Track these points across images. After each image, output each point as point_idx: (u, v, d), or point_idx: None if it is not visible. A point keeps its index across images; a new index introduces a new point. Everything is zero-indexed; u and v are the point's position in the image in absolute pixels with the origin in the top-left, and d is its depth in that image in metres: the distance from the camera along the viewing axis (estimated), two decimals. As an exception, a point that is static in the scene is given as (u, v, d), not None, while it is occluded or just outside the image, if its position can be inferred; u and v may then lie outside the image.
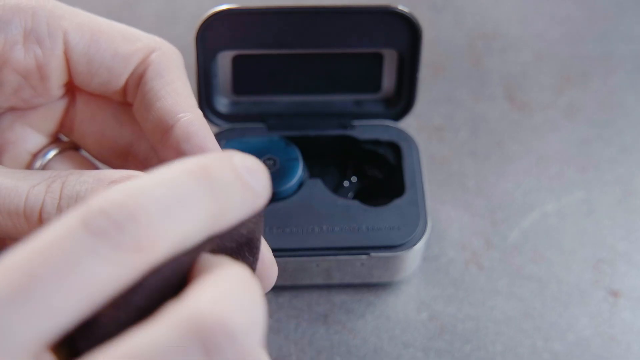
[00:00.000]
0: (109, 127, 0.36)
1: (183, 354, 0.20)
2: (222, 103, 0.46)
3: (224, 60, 0.45)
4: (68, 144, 0.37)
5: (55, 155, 0.36)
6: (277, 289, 0.44)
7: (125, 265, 0.20)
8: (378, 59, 0.46)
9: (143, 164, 0.36)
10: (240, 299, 0.21)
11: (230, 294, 0.21)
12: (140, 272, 0.21)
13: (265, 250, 0.32)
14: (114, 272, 0.20)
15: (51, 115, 0.36)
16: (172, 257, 0.22)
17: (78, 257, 0.20)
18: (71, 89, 0.36)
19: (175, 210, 0.21)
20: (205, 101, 0.45)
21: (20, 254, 0.20)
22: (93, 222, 0.20)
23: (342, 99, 0.47)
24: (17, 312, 0.19)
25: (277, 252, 0.41)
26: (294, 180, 0.44)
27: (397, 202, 0.43)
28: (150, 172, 0.22)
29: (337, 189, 0.46)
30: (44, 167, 0.36)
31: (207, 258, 0.24)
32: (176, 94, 0.33)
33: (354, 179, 0.47)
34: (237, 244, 0.26)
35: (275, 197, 0.43)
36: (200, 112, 0.33)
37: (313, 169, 0.46)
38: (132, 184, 0.21)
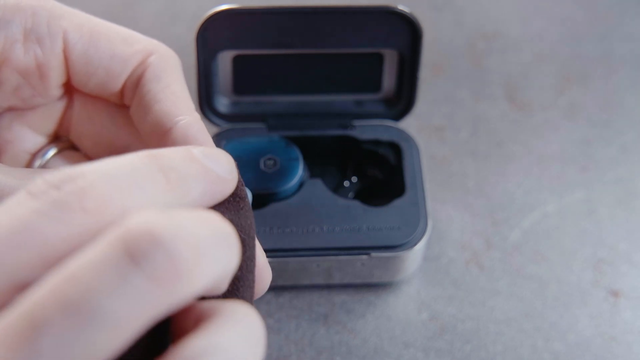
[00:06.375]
0: (106, 128, 0.36)
1: (114, 268, 0.20)
2: (223, 103, 0.46)
3: (224, 60, 0.45)
4: (67, 143, 0.37)
5: (54, 155, 0.36)
6: (278, 289, 0.44)
7: (78, 226, 0.21)
8: (378, 59, 0.46)
9: None
10: (174, 214, 0.21)
11: (164, 211, 0.21)
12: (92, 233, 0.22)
13: (259, 254, 0.32)
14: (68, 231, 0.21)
15: (49, 115, 0.36)
16: None
17: None
18: (69, 90, 0.36)
19: (125, 185, 0.23)
20: (206, 101, 0.45)
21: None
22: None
23: (342, 99, 0.47)
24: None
25: (277, 252, 0.41)
26: (294, 180, 0.44)
27: (398, 202, 0.43)
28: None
29: (337, 189, 0.46)
30: (43, 167, 0.36)
31: None
32: (175, 96, 0.33)
33: (354, 179, 0.47)
34: None
35: (276, 197, 0.43)
36: (198, 116, 0.33)
37: (313, 169, 0.46)
38: (89, 164, 0.23)
